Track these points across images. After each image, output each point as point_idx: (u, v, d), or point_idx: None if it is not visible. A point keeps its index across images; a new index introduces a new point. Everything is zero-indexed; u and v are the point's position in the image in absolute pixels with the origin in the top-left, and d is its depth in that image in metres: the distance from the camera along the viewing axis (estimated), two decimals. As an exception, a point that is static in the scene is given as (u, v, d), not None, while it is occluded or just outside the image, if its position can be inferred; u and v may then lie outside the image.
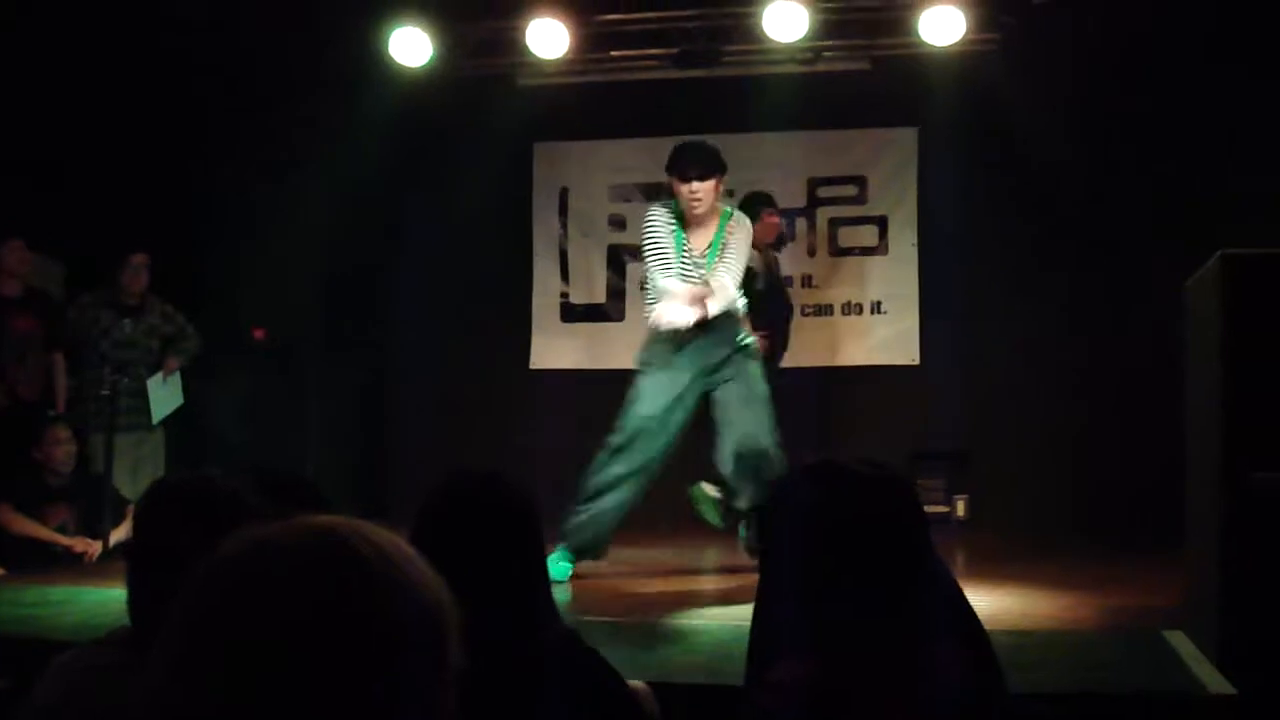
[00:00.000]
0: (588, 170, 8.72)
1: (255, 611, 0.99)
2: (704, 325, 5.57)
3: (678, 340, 5.63)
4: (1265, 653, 3.37)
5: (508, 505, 2.26)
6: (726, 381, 5.68)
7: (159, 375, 7.23)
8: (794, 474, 1.96)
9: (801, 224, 8.44)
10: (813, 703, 1.74)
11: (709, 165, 5.65)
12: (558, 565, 5.46)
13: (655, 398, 5.62)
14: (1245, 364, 3.59)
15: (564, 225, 8.71)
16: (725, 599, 5.18)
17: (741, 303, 5.81)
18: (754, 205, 7.10)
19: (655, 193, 8.50)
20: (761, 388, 5.72)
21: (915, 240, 8.26)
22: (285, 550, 1.03)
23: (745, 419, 5.64)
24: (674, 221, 5.72)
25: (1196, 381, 4.18)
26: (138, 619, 2.07)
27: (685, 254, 5.67)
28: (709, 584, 5.97)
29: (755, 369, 5.76)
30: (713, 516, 5.93)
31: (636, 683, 2.49)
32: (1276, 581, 3.43)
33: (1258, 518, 3.47)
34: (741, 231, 5.80)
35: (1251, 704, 3.23)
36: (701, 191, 5.61)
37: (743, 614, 2.10)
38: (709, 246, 5.71)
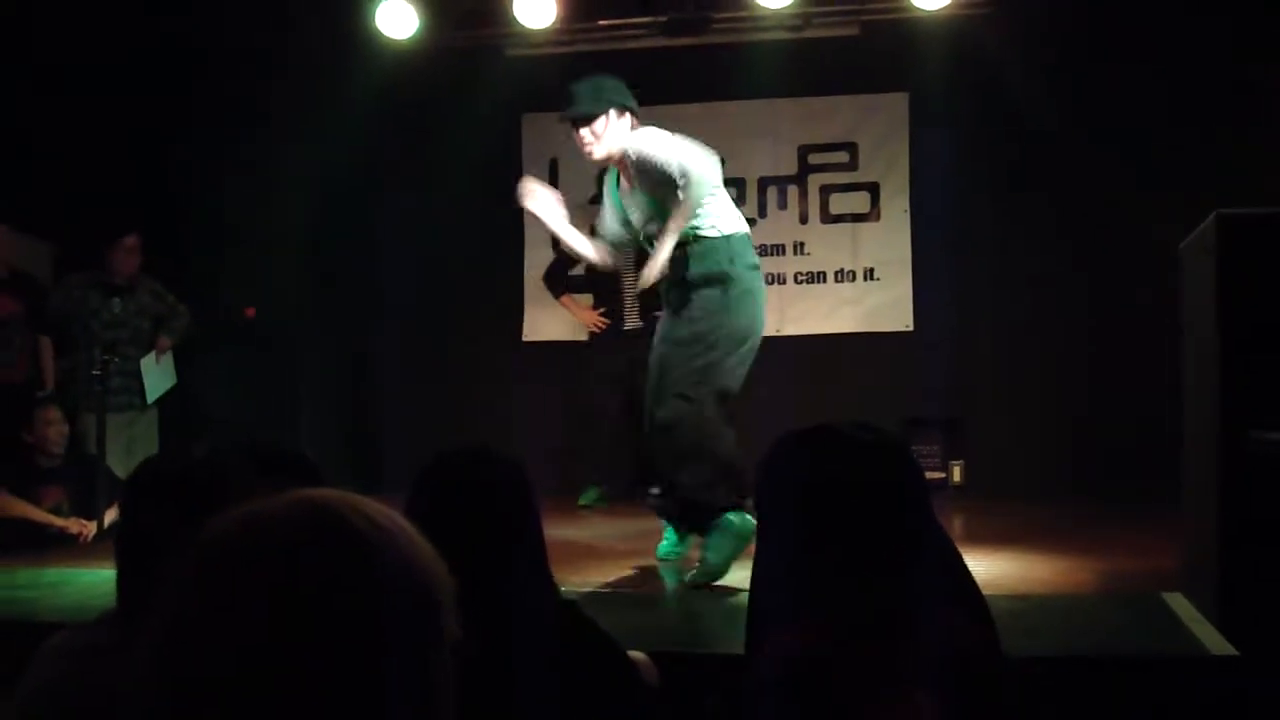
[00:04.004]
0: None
1: (249, 586, 0.98)
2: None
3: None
4: (1266, 612, 3.37)
5: (500, 478, 2.25)
6: None
7: (152, 355, 7.19)
8: (789, 440, 1.94)
9: (793, 191, 8.40)
10: (812, 669, 1.73)
11: (583, 107, 4.94)
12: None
13: None
14: (1241, 323, 3.58)
15: (554, 197, 8.65)
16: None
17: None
18: None
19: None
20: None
21: (907, 206, 8.22)
22: (279, 524, 1.03)
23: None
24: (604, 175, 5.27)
25: (1192, 342, 4.17)
26: (126, 599, 2.06)
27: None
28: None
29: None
30: None
31: (636, 653, 2.48)
32: (1275, 541, 3.43)
33: (1255, 477, 3.46)
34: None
35: (1253, 664, 3.22)
36: (587, 137, 4.92)
37: (742, 581, 2.08)
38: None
